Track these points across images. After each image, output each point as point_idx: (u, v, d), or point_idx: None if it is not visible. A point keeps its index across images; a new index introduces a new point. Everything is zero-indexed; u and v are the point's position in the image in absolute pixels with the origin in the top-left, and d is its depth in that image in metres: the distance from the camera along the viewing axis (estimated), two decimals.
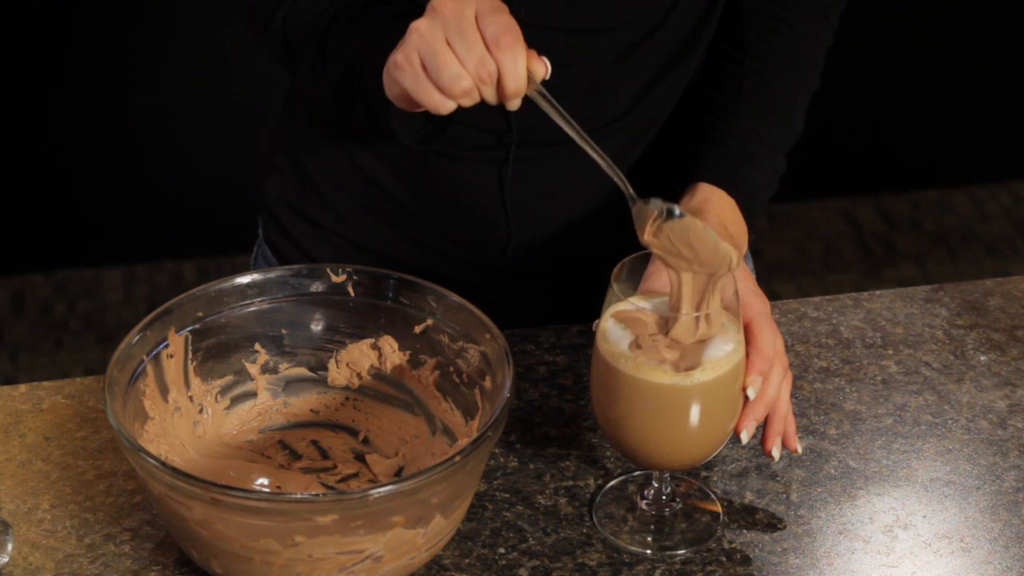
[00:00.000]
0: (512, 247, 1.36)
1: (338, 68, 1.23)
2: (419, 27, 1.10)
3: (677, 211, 1.11)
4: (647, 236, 1.11)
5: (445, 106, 1.11)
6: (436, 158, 1.32)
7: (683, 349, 1.08)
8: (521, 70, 1.09)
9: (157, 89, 2.91)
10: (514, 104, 1.10)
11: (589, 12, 1.25)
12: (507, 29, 1.08)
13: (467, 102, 1.10)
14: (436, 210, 1.36)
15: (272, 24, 1.26)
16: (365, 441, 1.22)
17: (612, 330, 1.09)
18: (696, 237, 1.10)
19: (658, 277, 1.14)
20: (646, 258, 1.14)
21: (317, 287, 1.21)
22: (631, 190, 1.13)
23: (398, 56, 1.11)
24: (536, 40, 1.25)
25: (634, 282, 1.13)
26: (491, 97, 1.10)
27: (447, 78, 1.08)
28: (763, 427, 1.15)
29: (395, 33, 1.13)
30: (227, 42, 2.82)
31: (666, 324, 1.09)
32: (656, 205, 1.12)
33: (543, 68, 1.11)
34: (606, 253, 1.20)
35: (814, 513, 1.18)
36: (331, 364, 1.22)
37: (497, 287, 1.37)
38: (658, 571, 1.13)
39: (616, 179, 1.12)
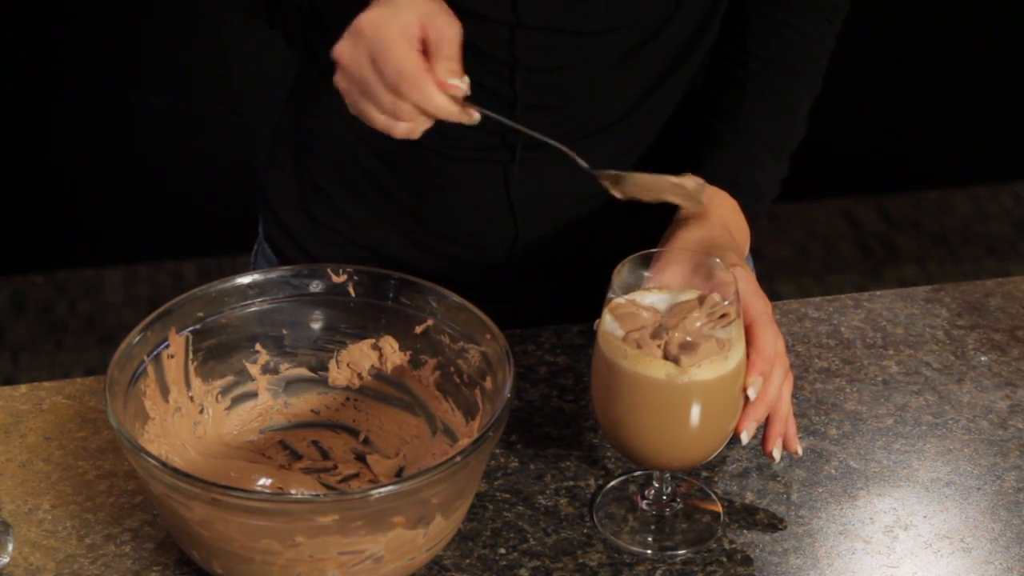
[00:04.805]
0: (519, 246, 1.36)
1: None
2: (337, 82, 1.15)
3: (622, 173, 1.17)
4: (617, 195, 1.17)
5: (398, 134, 1.16)
6: (440, 160, 1.32)
7: (682, 346, 1.08)
8: (436, 102, 1.12)
9: (157, 89, 2.91)
10: (466, 118, 1.14)
11: (590, 14, 1.25)
12: (400, 73, 1.11)
13: (416, 135, 1.15)
14: (441, 211, 1.35)
15: None
16: (366, 441, 1.22)
17: (612, 328, 1.09)
18: (648, 186, 1.16)
19: (663, 274, 1.14)
20: (647, 257, 1.14)
21: (318, 287, 1.21)
22: (583, 163, 1.18)
23: (339, 85, 1.15)
24: (537, 41, 1.26)
25: (635, 280, 1.13)
26: (430, 122, 1.14)
27: (382, 129, 1.14)
28: (764, 428, 1.15)
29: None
30: (227, 42, 2.82)
31: (666, 322, 1.09)
32: (604, 175, 1.17)
33: (460, 88, 1.13)
34: (614, 250, 1.20)
35: (815, 513, 1.18)
36: (332, 364, 1.22)
37: (504, 287, 1.37)
38: (659, 571, 1.13)
39: (577, 162, 1.17)
